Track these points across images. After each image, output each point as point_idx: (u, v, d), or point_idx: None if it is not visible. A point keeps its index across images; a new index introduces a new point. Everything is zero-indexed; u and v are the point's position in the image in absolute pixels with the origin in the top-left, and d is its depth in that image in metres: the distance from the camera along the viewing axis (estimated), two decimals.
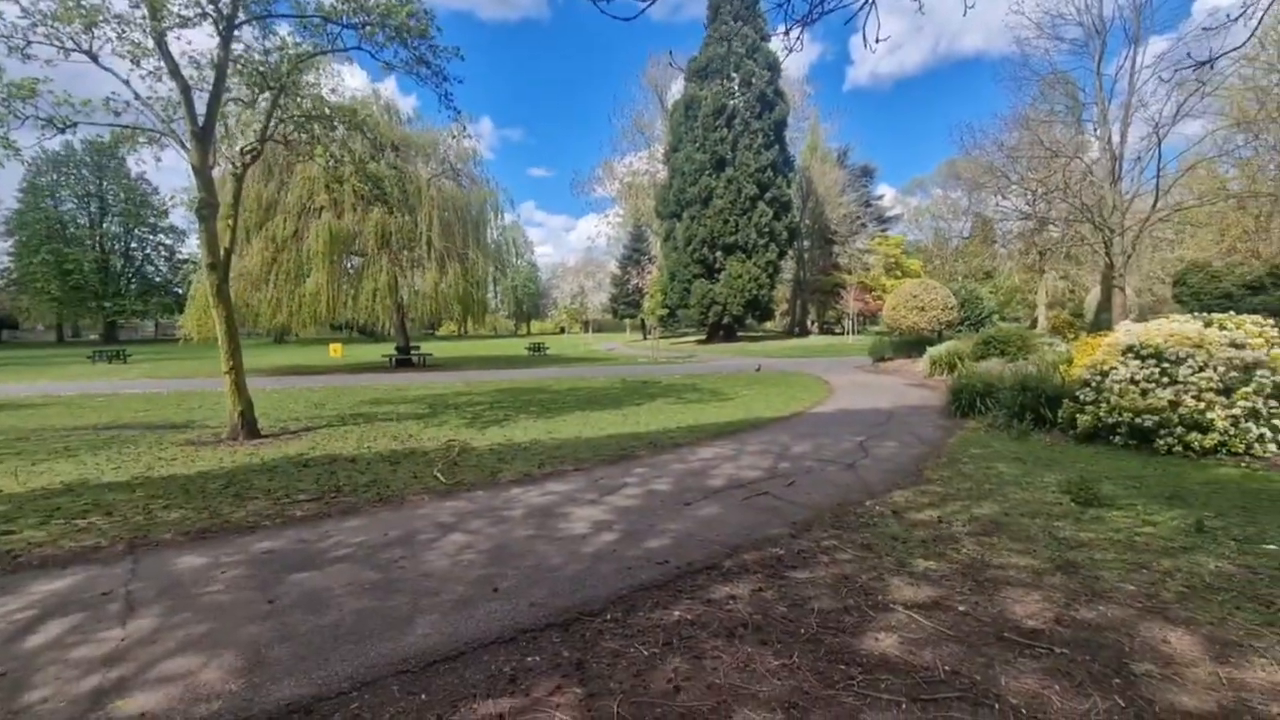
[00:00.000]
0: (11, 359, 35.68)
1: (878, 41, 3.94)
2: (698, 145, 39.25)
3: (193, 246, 64.53)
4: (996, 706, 2.59)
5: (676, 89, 48.05)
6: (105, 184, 60.05)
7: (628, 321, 58.58)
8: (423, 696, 2.70)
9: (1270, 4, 6.18)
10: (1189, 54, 5.63)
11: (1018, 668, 2.89)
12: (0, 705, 2.63)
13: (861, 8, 3.92)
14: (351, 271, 24.24)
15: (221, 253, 8.99)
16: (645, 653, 3.06)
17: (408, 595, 3.69)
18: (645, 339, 50.42)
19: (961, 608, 3.49)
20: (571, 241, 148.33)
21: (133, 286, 60.95)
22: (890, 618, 3.39)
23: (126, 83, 8.66)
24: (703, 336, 43.50)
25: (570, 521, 5.09)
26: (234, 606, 3.55)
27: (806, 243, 52.28)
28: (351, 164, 9.33)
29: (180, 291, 62.58)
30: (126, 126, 8.87)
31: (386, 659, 2.99)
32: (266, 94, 9.06)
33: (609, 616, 3.47)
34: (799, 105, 49.93)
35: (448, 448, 8.27)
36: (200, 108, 8.65)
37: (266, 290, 21.88)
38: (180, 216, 68.85)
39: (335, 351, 34.27)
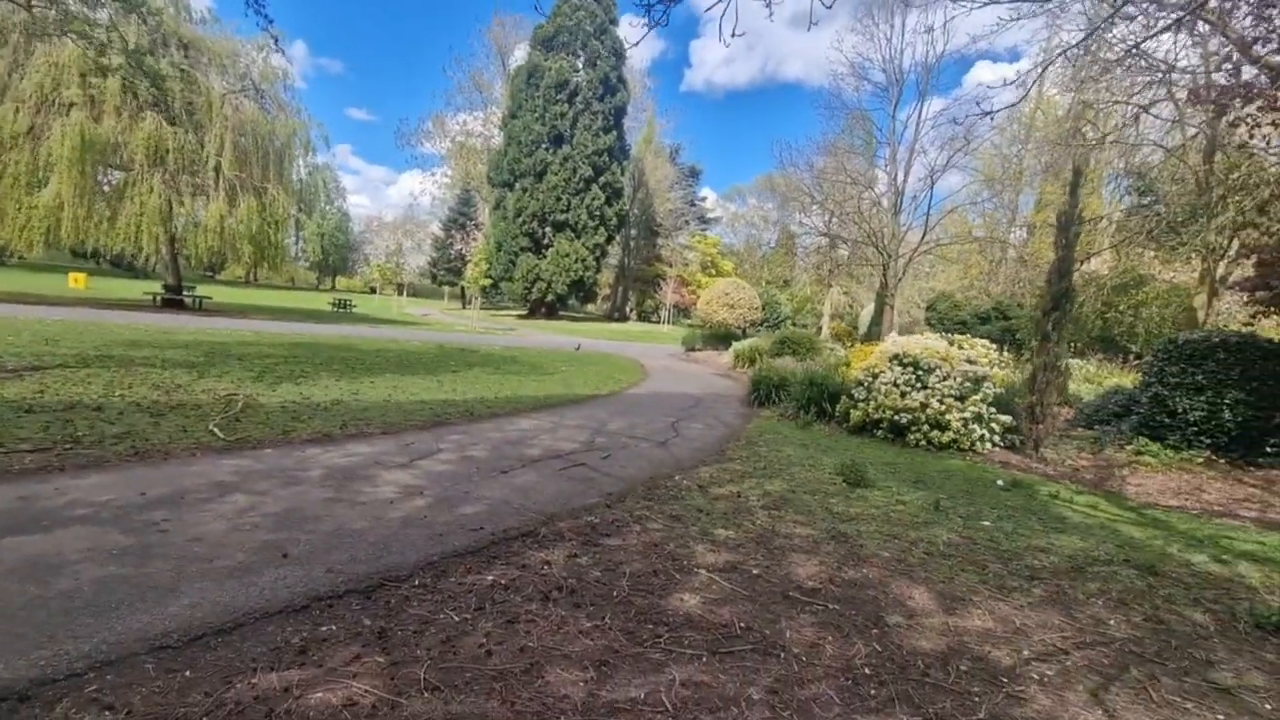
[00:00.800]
0: None
1: (734, 36, 4.14)
2: (537, 116, 38.39)
3: None
4: (782, 655, 2.88)
5: (520, 54, 46.47)
6: None
7: (447, 289, 55.84)
8: (186, 674, 2.34)
9: (1026, 82, 7.51)
10: (954, 119, 6.68)
11: (799, 621, 3.24)
12: None
13: (712, 7, 4.07)
14: (108, 189, 20.10)
15: None
16: (455, 618, 2.95)
17: (170, 562, 3.16)
18: (465, 308, 48.44)
19: (755, 571, 3.84)
20: (391, 196, 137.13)
21: None
22: (694, 580, 3.63)
23: None
24: (524, 311, 42.89)
25: (376, 485, 4.73)
26: None
27: (634, 231, 53.76)
28: (123, 54, 7.64)
29: None
30: None
31: (138, 634, 2.54)
32: None
33: (417, 582, 3.28)
34: (639, 96, 50.98)
35: (228, 401, 7.23)
36: None
37: None
38: None
39: (77, 281, 28.35)
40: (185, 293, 23.61)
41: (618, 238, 44.72)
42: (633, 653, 2.80)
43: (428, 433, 6.77)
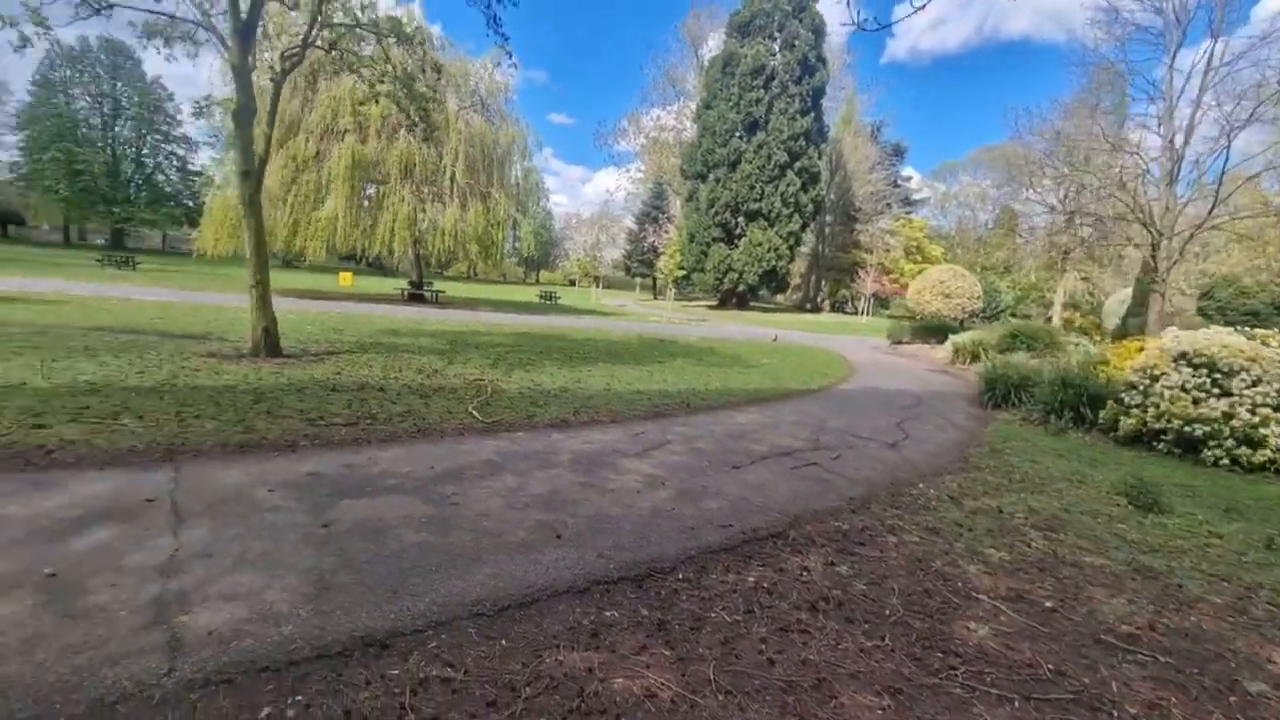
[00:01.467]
0: (18, 255, 35.22)
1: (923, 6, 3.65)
2: (731, 105, 38.12)
3: (205, 159, 63.39)
4: (1115, 714, 2.43)
5: (715, 43, 46.49)
6: (120, 85, 58.40)
7: (639, 280, 57.99)
8: (503, 643, 2.54)
9: None
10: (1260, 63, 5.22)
11: (1124, 673, 2.73)
12: (56, 606, 2.45)
13: None
14: (368, 201, 23.65)
15: (256, 161, 8.61)
16: (728, 619, 2.90)
17: (467, 533, 3.51)
18: (656, 299, 49.99)
19: (1047, 603, 3.33)
20: (587, 194, 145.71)
21: (143, 194, 59.91)
22: (976, 607, 3.23)
23: None
24: (714, 302, 43.06)
25: (620, 474, 4.92)
26: (287, 527, 3.37)
27: (829, 217, 51.37)
28: (397, 80, 8.84)
29: (190, 204, 61.84)
30: (164, 15, 8.39)
31: (457, 598, 2.82)
32: None
33: (681, 576, 3.31)
34: (837, 74, 48.37)
35: (478, 387, 8.07)
36: (243, 2, 8.15)
37: (283, 210, 21.40)
38: (194, 128, 67.15)
39: (345, 280, 33.88)
40: (425, 288, 27.13)
41: (812, 225, 43.02)
42: (928, 683, 2.53)
43: (652, 423, 6.95)
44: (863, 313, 45.90)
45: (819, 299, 54.31)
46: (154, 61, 66.54)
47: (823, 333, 29.46)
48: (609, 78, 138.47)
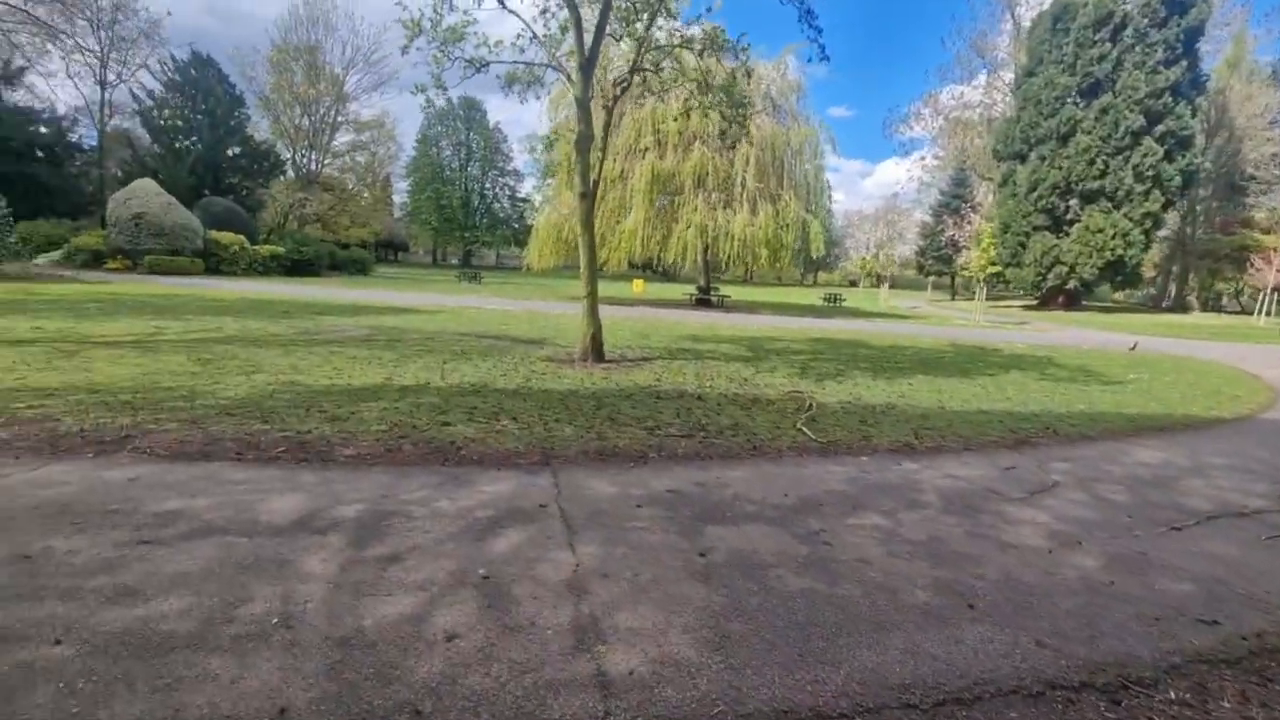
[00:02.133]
0: (404, 275, 45.53)
1: None
2: (1063, 67, 32.11)
3: (528, 188, 74.85)
4: None
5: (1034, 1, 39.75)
6: (471, 134, 72.14)
7: (930, 280, 52.55)
8: None
9: None
10: None
11: None
12: (494, 615, 2.59)
13: None
14: (661, 211, 25.06)
15: (591, 184, 9.40)
16: None
17: (855, 585, 3.04)
18: (954, 299, 44.67)
19: None
20: (866, 188, 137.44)
21: (484, 220, 73.15)
22: None
23: (527, 23, 9.36)
24: (1033, 302, 36.76)
25: (1009, 523, 4.01)
26: (665, 551, 3.28)
27: (1202, 191, 40.29)
28: (720, 90, 8.94)
29: (517, 226, 73.56)
30: (527, 64, 9.65)
31: (876, 677, 2.35)
32: (642, 19, 9.01)
33: (1173, 696, 2.39)
34: (1217, 6, 37.60)
35: (798, 400, 7.65)
36: (587, 41, 8.95)
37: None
38: (521, 161, 79.65)
39: (638, 287, 36.72)
40: (712, 293, 27.93)
41: (1178, 203, 34.10)
42: None
43: (1018, 454, 5.76)
44: (1260, 312, 34.87)
45: (1184, 295, 42.96)
46: (495, 110, 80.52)
47: (1197, 338, 23.02)
48: (891, 63, 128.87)
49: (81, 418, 5.01)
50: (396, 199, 75.41)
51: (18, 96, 36.14)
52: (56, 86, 55.10)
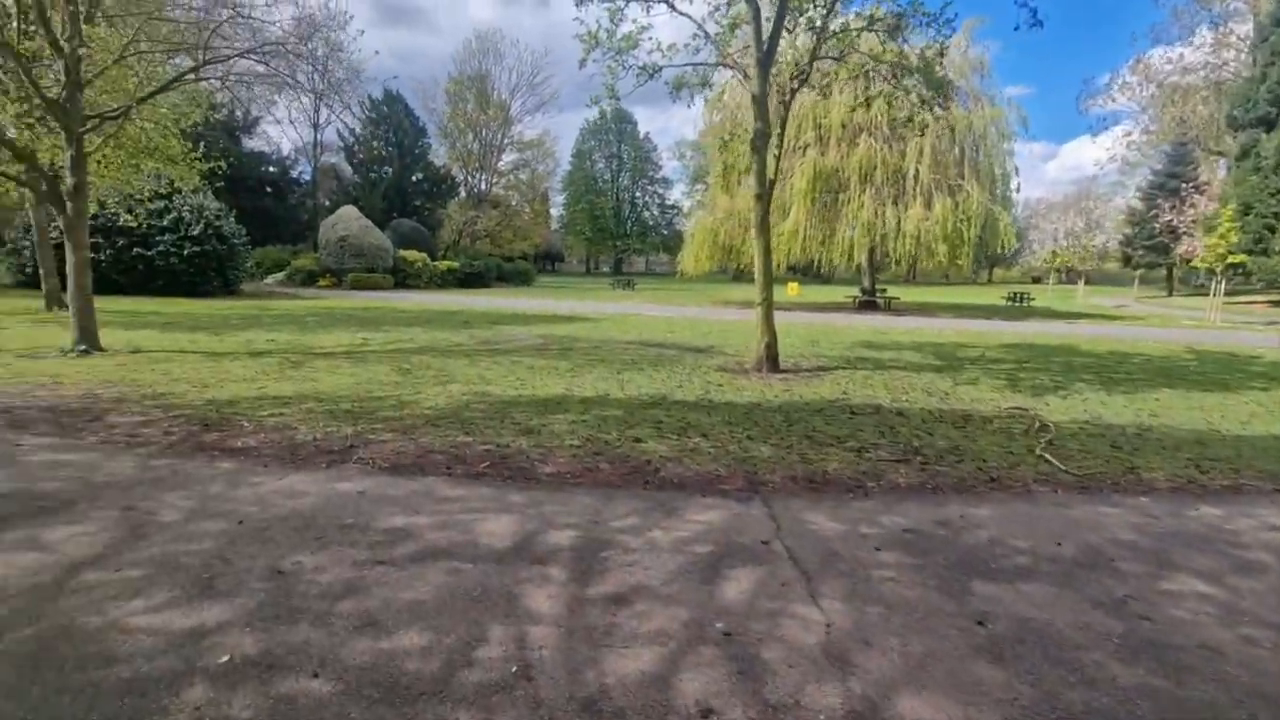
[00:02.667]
0: (562, 283, 47.72)
1: None
2: None
3: (676, 195, 75.56)
4: None
5: None
6: (623, 145, 74.27)
7: (1139, 273, 45.44)
8: None
9: None
10: None
11: None
12: (749, 687, 2.20)
13: None
14: (824, 209, 23.77)
15: (767, 183, 8.91)
16: None
17: (1214, 687, 2.28)
18: (1171, 295, 38.18)
19: None
20: (1050, 173, 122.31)
21: (635, 228, 74.92)
22: None
23: (698, 23, 9.09)
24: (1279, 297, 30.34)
25: None
26: (930, 614, 2.72)
27: None
28: (918, 71, 8.07)
29: (665, 233, 74.51)
30: (699, 65, 9.39)
31: None
32: (821, 4, 8.38)
33: None
34: None
35: (1028, 421, 6.59)
36: (765, 36, 8.49)
37: (752, 230, 23.14)
38: (670, 169, 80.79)
39: (793, 290, 35.38)
40: (877, 294, 26.09)
41: None
42: None
43: None
44: None
45: None
46: (643, 121, 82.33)
47: None
48: (1077, 31, 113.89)
49: (313, 426, 5.42)
50: (553, 212, 79.66)
51: (252, 143, 42.72)
52: (281, 132, 64.99)
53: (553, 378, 8.27)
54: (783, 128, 9.32)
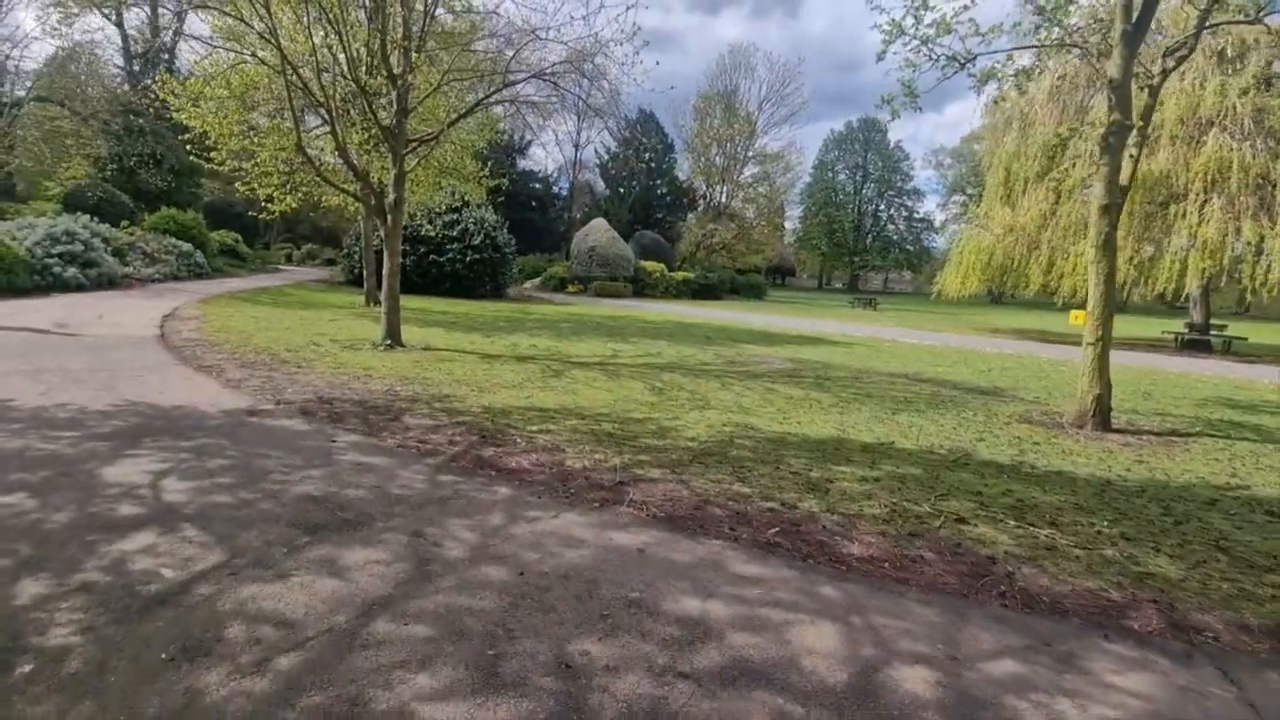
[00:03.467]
0: (794, 299, 45.93)
1: None
2: None
3: (929, 207, 69.04)
4: None
5: None
6: (869, 155, 69.80)
7: None
8: None
9: None
10: None
11: None
12: None
13: None
14: (1146, 224, 19.23)
15: (1118, 192, 6.96)
16: None
17: None
18: None
19: None
20: None
21: (876, 243, 69.98)
22: None
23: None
24: None
25: None
26: None
27: None
28: None
29: (911, 249, 68.55)
30: (1037, 47, 7.72)
31: None
32: None
33: None
34: None
35: None
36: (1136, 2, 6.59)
37: (1041, 249, 19.67)
38: (923, 180, 74.13)
39: (1078, 319, 29.67)
40: (1211, 331, 20.55)
41: None
42: None
43: None
44: None
45: None
46: (894, 129, 76.61)
47: None
48: None
49: (580, 450, 5.13)
50: (787, 225, 77.88)
51: (524, 163, 48.05)
52: (546, 153, 72.65)
53: (818, 414, 7.28)
54: (1146, 121, 7.21)
